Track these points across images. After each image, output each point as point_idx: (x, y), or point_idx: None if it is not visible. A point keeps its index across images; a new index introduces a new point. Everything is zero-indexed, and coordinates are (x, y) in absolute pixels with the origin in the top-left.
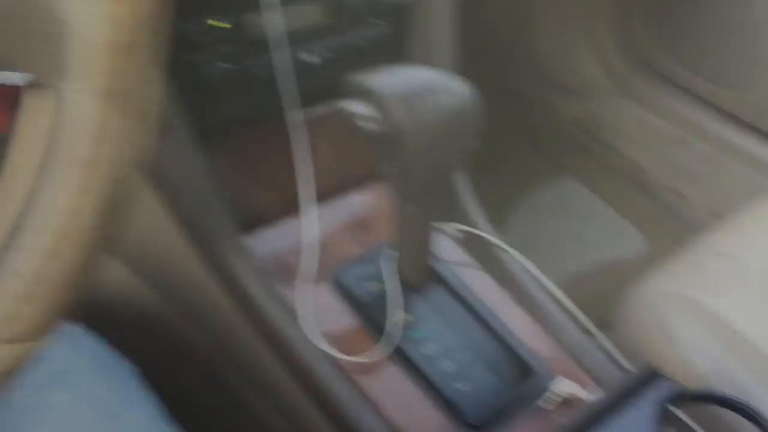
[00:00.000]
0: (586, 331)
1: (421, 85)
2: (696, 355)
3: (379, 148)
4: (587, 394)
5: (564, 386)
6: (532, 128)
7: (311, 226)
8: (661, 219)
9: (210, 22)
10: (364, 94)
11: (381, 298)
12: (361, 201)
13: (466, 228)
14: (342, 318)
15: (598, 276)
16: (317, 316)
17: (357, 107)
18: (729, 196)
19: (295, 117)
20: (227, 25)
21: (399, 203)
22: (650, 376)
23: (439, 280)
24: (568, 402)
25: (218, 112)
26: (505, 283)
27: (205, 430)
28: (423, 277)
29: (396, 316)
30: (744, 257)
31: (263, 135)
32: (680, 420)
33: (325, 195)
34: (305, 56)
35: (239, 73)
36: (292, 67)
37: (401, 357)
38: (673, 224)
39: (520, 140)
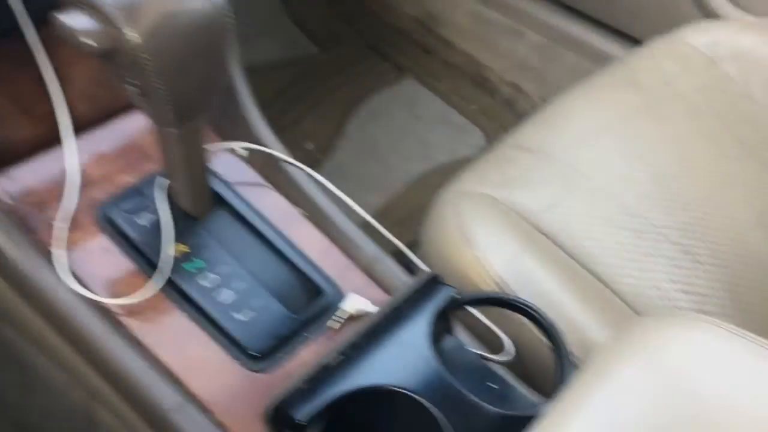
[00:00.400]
0: (394, 247)
1: None
2: (493, 255)
3: (112, 67)
4: (377, 309)
5: (352, 303)
6: (370, 29)
7: (71, 158)
8: (500, 114)
9: None
10: (83, 4)
11: (154, 231)
12: (135, 126)
13: (251, 146)
14: (110, 257)
15: (436, 179)
16: (79, 257)
17: (75, 20)
18: (563, 86)
19: (31, 36)
20: None
21: (156, 127)
22: (431, 283)
23: (223, 204)
24: (355, 318)
25: None
26: (299, 202)
27: None
28: (201, 203)
29: (168, 249)
30: (549, 150)
31: (3, 60)
32: (469, 321)
33: (92, 122)
34: None
35: None
36: None
37: (175, 292)
38: (511, 119)
39: (358, 42)
